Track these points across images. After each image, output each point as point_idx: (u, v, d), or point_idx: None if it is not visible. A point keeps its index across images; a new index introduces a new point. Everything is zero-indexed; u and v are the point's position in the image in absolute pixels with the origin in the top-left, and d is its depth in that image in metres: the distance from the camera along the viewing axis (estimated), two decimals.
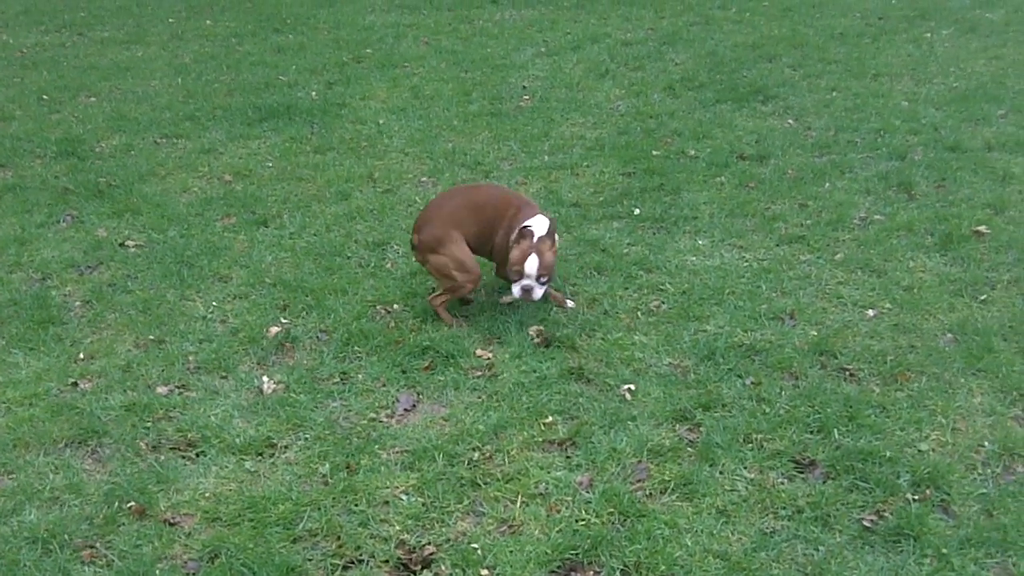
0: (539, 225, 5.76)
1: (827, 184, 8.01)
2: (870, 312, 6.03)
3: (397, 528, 4.38)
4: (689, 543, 4.22)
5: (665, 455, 4.79)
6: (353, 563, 4.20)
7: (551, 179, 8.37)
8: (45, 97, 11.25)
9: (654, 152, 8.88)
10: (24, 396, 5.41)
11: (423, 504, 4.53)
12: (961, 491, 4.51)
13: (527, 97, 10.74)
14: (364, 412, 5.23)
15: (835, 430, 4.91)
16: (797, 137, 9.13)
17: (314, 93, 11.03)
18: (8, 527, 4.42)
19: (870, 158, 8.54)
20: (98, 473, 4.82)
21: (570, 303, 6.19)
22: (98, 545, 4.32)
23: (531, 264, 5.65)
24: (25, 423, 5.17)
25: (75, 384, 5.53)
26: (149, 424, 5.13)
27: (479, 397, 5.33)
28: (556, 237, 5.81)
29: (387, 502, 4.55)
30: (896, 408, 5.09)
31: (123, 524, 4.44)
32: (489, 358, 5.66)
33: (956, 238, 6.90)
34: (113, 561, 4.22)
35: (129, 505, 4.54)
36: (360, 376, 5.54)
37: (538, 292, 5.74)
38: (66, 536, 4.35)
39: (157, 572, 4.13)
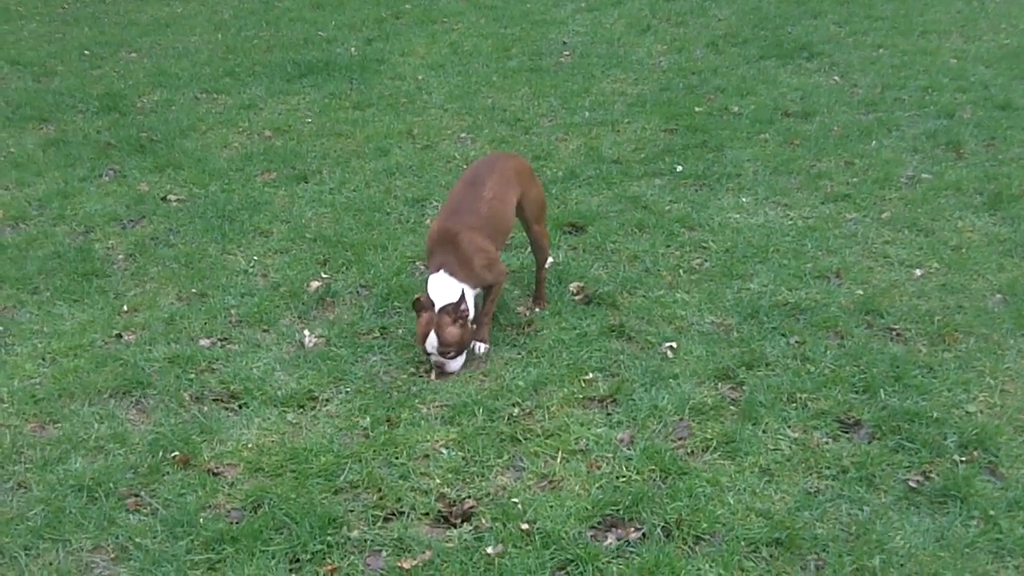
0: (440, 290, 5.11)
1: (873, 142, 7.91)
2: (917, 272, 5.96)
3: (437, 481, 4.39)
4: (731, 501, 4.20)
5: (707, 413, 4.76)
6: (394, 515, 4.21)
7: (591, 135, 8.31)
8: (87, 53, 11.27)
9: (697, 109, 8.79)
10: (69, 347, 5.44)
11: (463, 458, 4.53)
12: (1009, 453, 4.45)
13: (567, 53, 10.65)
14: (404, 367, 5.23)
15: (881, 390, 4.86)
16: (843, 94, 9.01)
17: (353, 49, 10.99)
18: (54, 475, 4.46)
19: (917, 116, 8.42)
20: (142, 423, 4.85)
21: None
22: (143, 494, 4.36)
23: (430, 342, 5.06)
24: (70, 374, 5.20)
25: (119, 336, 5.56)
26: (192, 376, 5.15)
27: (519, 353, 5.32)
28: (466, 303, 5.11)
29: (427, 456, 4.55)
30: (943, 369, 5.03)
31: (167, 473, 4.47)
32: (528, 315, 5.64)
33: (1006, 198, 6.79)
34: (158, 509, 4.26)
35: (173, 455, 4.57)
36: (400, 331, 5.53)
37: (452, 365, 5.17)
38: (111, 484, 4.38)
39: (201, 520, 4.15)
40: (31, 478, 4.47)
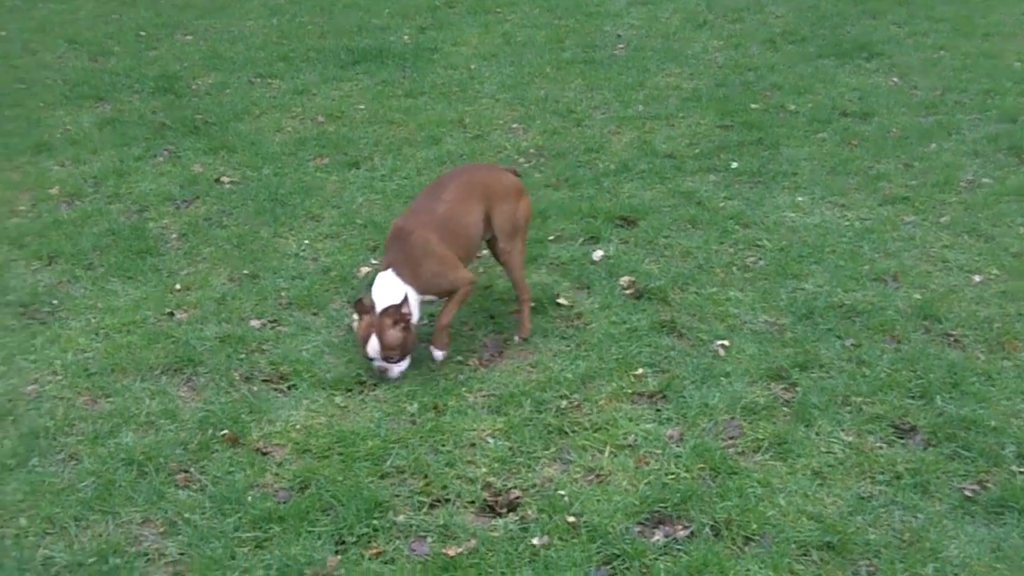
0: (384, 290, 4.95)
1: (933, 145, 7.80)
2: (976, 277, 5.87)
3: (483, 470, 4.37)
4: (782, 503, 4.15)
5: (759, 413, 4.71)
6: (439, 502, 4.20)
7: (645, 129, 8.26)
8: (143, 34, 11.34)
9: (753, 105, 8.72)
10: (122, 323, 5.48)
11: (510, 448, 4.51)
12: None
13: (621, 46, 10.58)
14: (451, 355, 5.21)
15: (938, 396, 4.78)
16: (902, 96, 8.89)
17: (406, 37, 10.99)
18: (105, 448, 4.49)
19: (979, 119, 8.29)
20: (193, 400, 4.88)
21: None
22: (192, 470, 4.38)
23: (372, 346, 4.87)
24: (123, 349, 5.24)
25: (171, 314, 5.59)
26: (243, 356, 5.17)
27: (567, 346, 5.29)
28: (410, 306, 4.92)
29: (474, 444, 4.54)
30: (1002, 377, 4.94)
31: (216, 451, 4.49)
32: (578, 307, 5.61)
33: None
34: (206, 486, 4.27)
35: (223, 433, 4.58)
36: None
37: (395, 370, 4.97)
38: (161, 459, 4.41)
39: (249, 499, 4.16)
40: (82, 450, 4.50)
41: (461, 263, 5.13)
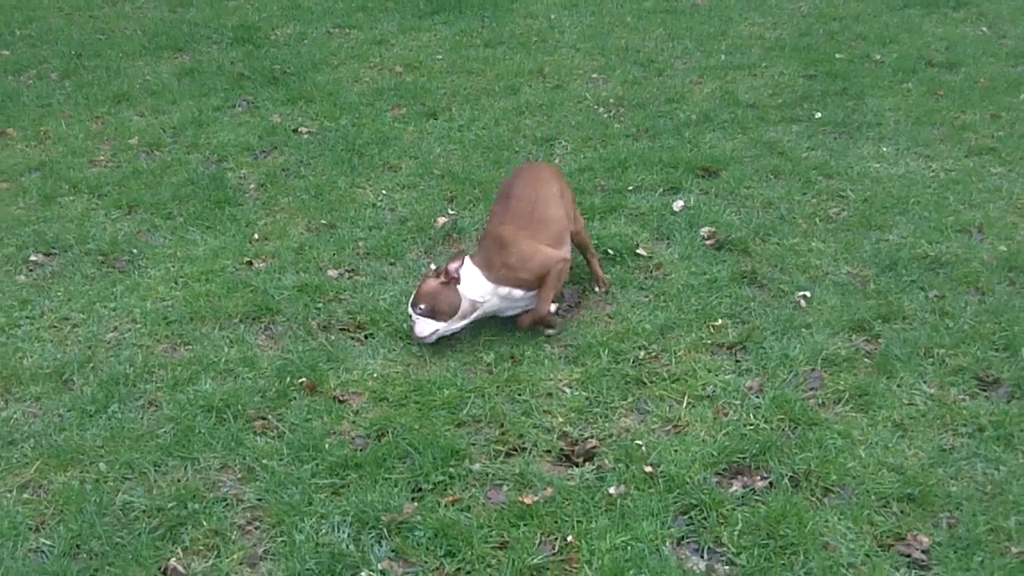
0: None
1: (1022, 95, 7.56)
2: None
3: (560, 420, 4.35)
4: (863, 454, 4.07)
5: (840, 365, 4.62)
6: (516, 451, 4.18)
7: (727, 79, 8.12)
8: None
9: (837, 55, 8.54)
10: (201, 272, 5.52)
11: (587, 398, 4.48)
12: None
13: None
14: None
15: (1023, 349, 4.65)
16: (991, 45, 8.64)
17: None
18: (184, 395, 4.53)
19: None
20: (271, 349, 4.90)
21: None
22: (270, 417, 4.40)
23: (412, 297, 4.85)
24: (202, 298, 5.28)
25: (250, 263, 5.63)
26: (320, 305, 5.18)
27: (646, 296, 5.23)
28: (461, 270, 4.81)
29: (551, 394, 4.51)
30: None
31: (294, 399, 4.51)
32: (658, 258, 5.54)
33: None
34: (284, 433, 4.30)
35: (300, 381, 4.60)
36: None
37: (420, 326, 4.78)
38: (239, 407, 4.44)
39: (326, 446, 4.18)
40: (161, 397, 4.55)
41: (547, 246, 4.96)
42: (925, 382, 4.50)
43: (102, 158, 7.08)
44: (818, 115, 7.34)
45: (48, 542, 3.78)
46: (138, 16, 10.41)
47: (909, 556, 3.62)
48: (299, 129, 7.42)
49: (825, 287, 5.22)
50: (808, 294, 5.14)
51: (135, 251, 5.79)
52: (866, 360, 4.66)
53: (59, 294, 5.38)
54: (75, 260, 5.72)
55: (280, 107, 7.87)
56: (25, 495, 4.02)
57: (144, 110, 7.89)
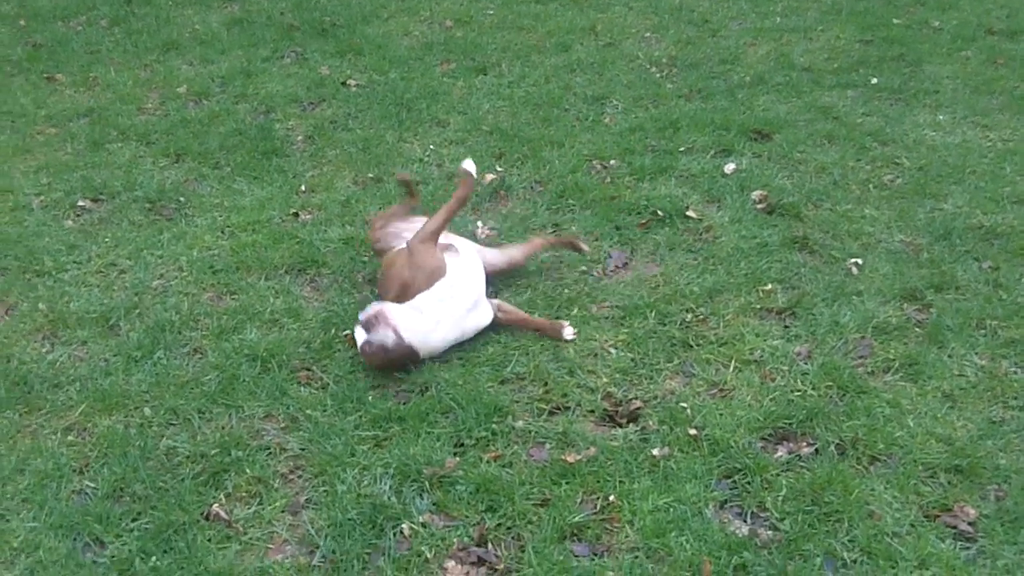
0: None
1: None
2: None
3: (604, 380, 4.31)
4: (911, 424, 4.01)
5: (891, 333, 4.55)
6: (559, 409, 4.15)
7: (782, 41, 8.00)
8: None
9: (895, 20, 8.38)
10: (247, 222, 5.52)
11: (632, 360, 4.43)
12: None
13: None
14: (575, 265, 5.14)
15: None
16: None
17: None
18: (230, 343, 4.53)
19: None
20: (316, 300, 4.89)
21: None
22: (314, 368, 4.40)
23: None
24: (248, 248, 5.28)
25: (296, 215, 5.61)
26: (366, 259, 5.16)
27: (695, 259, 5.17)
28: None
29: (595, 354, 4.47)
30: None
31: (338, 351, 4.50)
32: (707, 220, 5.47)
33: None
34: (328, 384, 4.29)
35: (345, 333, 4.59)
36: (573, 229, 5.44)
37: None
38: (284, 357, 4.44)
39: (369, 398, 4.17)
40: (207, 345, 4.56)
41: None
42: (976, 353, 4.42)
43: (150, 106, 7.09)
44: (874, 81, 7.22)
45: (92, 484, 3.81)
46: None
47: (955, 527, 3.56)
48: (347, 82, 7.39)
49: (877, 255, 5.14)
50: (860, 261, 5.06)
51: (182, 199, 5.79)
52: (917, 329, 4.59)
53: (106, 240, 5.40)
54: (122, 207, 5.73)
55: (329, 59, 7.83)
56: (70, 437, 4.04)
57: (193, 59, 7.88)
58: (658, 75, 7.44)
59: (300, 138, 6.56)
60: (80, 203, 5.76)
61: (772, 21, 8.46)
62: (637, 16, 8.65)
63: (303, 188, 5.90)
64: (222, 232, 5.47)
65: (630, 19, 8.59)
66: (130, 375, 4.37)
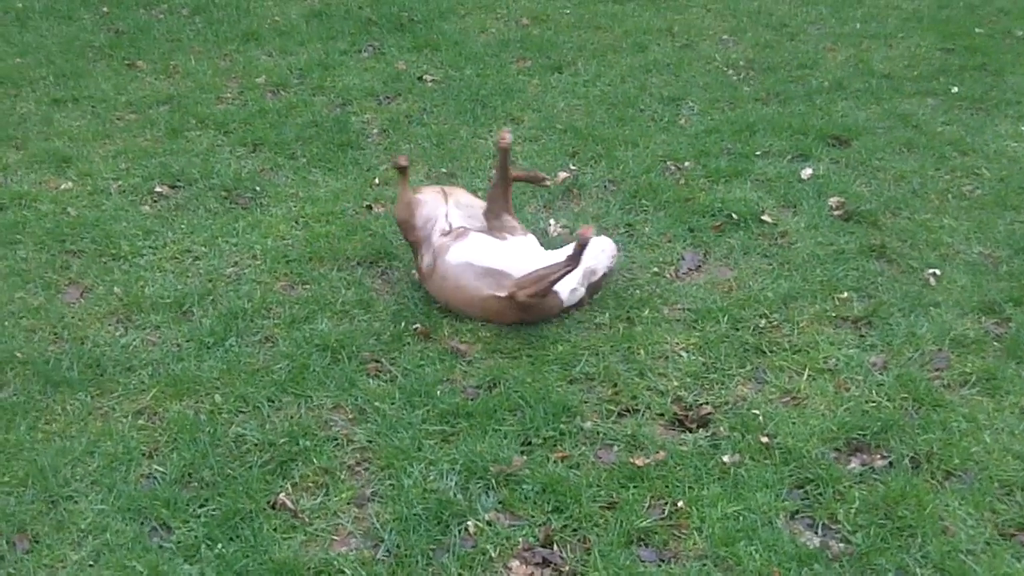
0: None
1: None
2: None
3: (675, 384, 4.27)
4: (988, 439, 3.93)
5: (968, 347, 4.46)
6: (628, 411, 4.12)
7: (862, 48, 7.89)
8: None
9: (977, 29, 8.23)
10: (321, 213, 5.55)
11: (703, 364, 4.39)
12: None
13: None
14: (648, 266, 5.10)
15: None
16: None
17: None
18: (301, 333, 4.55)
19: None
20: (387, 293, 4.90)
21: None
22: (383, 360, 4.40)
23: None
24: (321, 239, 5.30)
25: (369, 207, 5.63)
26: None
27: (769, 264, 5.11)
28: None
29: (666, 357, 4.43)
30: None
31: (408, 344, 4.50)
32: (783, 226, 5.40)
33: None
34: (396, 377, 4.30)
35: (415, 327, 4.59)
36: (646, 229, 5.40)
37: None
38: (354, 348, 4.45)
39: (438, 393, 4.17)
40: (278, 334, 4.58)
41: None
42: None
43: (229, 95, 7.15)
44: (955, 90, 7.09)
45: (161, 469, 3.84)
46: None
47: None
48: (423, 77, 7.40)
49: (956, 266, 5.04)
50: (938, 272, 4.97)
51: (258, 188, 5.83)
52: (995, 343, 4.49)
53: (182, 226, 5.45)
54: (199, 194, 5.79)
55: (406, 54, 7.85)
56: (140, 421, 4.08)
57: (272, 50, 7.94)
58: (735, 78, 7.37)
59: (375, 131, 6.58)
60: (157, 189, 5.82)
61: (852, 27, 8.34)
62: (715, 18, 8.58)
63: (377, 181, 5.92)
64: (296, 222, 5.50)
65: (707, 21, 8.51)
66: (202, 361, 4.40)
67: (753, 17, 8.55)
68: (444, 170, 6.02)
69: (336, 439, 3.97)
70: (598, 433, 4.00)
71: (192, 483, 3.78)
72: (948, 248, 5.19)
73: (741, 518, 3.58)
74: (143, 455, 3.91)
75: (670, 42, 8.06)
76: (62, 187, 5.84)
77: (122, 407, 4.16)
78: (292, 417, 4.08)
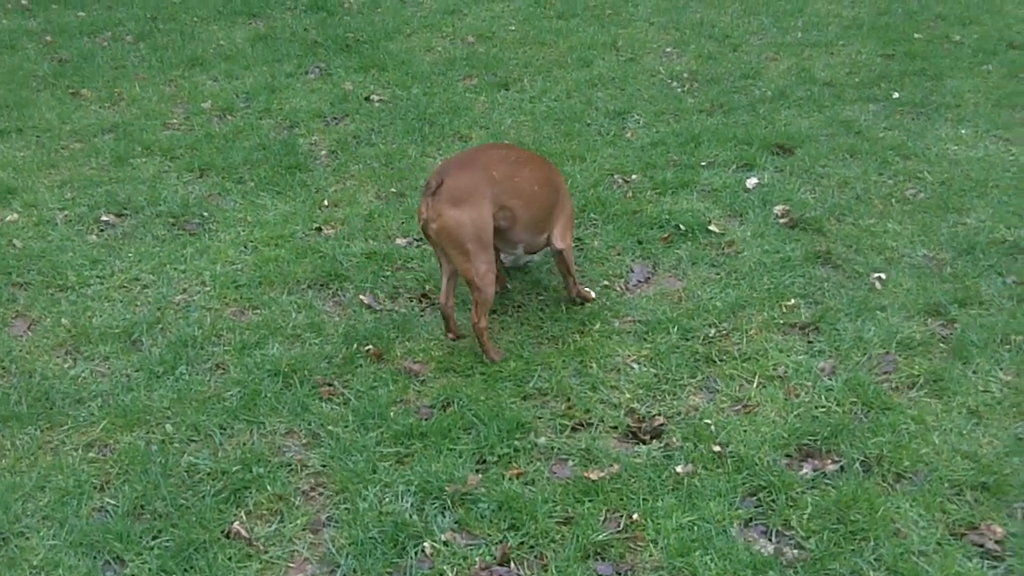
0: None
1: None
2: None
3: (627, 396, 4.29)
4: (936, 441, 3.98)
5: (915, 349, 4.52)
6: (582, 425, 4.14)
7: (803, 56, 7.99)
8: None
9: (916, 35, 8.37)
10: (271, 237, 5.53)
11: (655, 375, 4.42)
12: None
13: None
14: (597, 279, 5.13)
15: None
16: None
17: None
18: (252, 359, 4.54)
19: None
20: (338, 316, 4.90)
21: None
22: (336, 383, 4.40)
23: None
24: (271, 262, 5.28)
25: (319, 229, 5.62)
26: (388, 273, 5.16)
27: (717, 274, 5.15)
28: None
29: (618, 369, 4.46)
30: None
31: (360, 366, 4.50)
32: (730, 235, 5.45)
33: None
34: (349, 400, 4.29)
35: (367, 348, 4.59)
36: (595, 243, 5.43)
37: None
38: (306, 372, 4.44)
39: (391, 414, 4.17)
40: (229, 360, 4.56)
41: None
42: (1001, 369, 4.39)
43: (175, 121, 7.12)
44: (896, 95, 7.19)
45: (112, 501, 3.81)
46: None
47: (982, 546, 3.53)
48: (371, 97, 7.41)
49: (901, 269, 5.11)
50: (883, 276, 5.04)
51: (206, 214, 5.81)
52: (941, 345, 4.56)
53: (130, 255, 5.41)
54: (146, 221, 5.75)
55: (352, 75, 7.86)
56: (91, 454, 4.05)
57: (217, 74, 7.91)
58: (679, 90, 7.44)
59: (323, 153, 6.58)
60: (104, 218, 5.79)
61: (793, 36, 8.45)
62: (658, 31, 8.65)
63: (326, 203, 5.91)
64: (245, 247, 5.48)
65: (651, 34, 8.59)
66: (152, 391, 4.37)
67: (696, 29, 8.63)
68: (393, 190, 6.02)
69: (290, 465, 3.96)
70: (552, 448, 4.01)
71: (145, 515, 3.75)
72: (893, 252, 5.26)
73: (696, 528, 3.60)
74: (94, 488, 3.87)
75: (614, 56, 8.12)
76: (7, 219, 5.79)
77: (72, 440, 4.12)
78: (245, 444, 4.06)
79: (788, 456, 3.95)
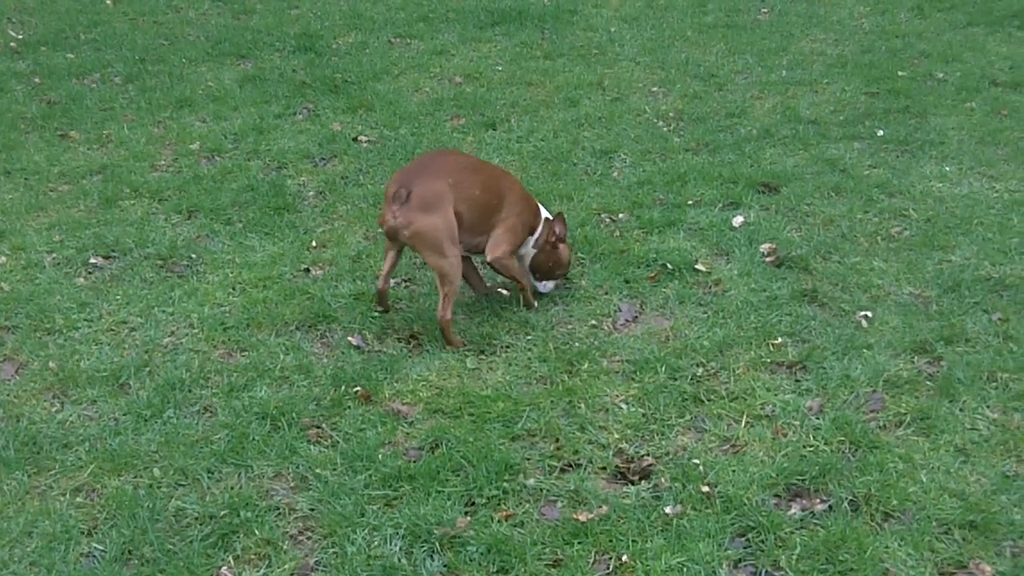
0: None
1: None
2: None
3: (616, 436, 4.30)
4: (924, 479, 3.99)
5: (902, 387, 4.54)
6: (571, 466, 4.14)
7: (788, 95, 8.06)
8: None
9: (900, 73, 8.44)
10: (259, 278, 5.54)
11: (643, 415, 4.42)
12: None
13: (765, 11, 10.34)
14: (585, 319, 5.15)
15: None
16: None
17: None
18: (240, 401, 4.53)
19: None
20: (326, 357, 4.90)
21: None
22: (324, 426, 4.39)
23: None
24: (259, 304, 5.29)
25: (307, 270, 5.64)
26: (376, 314, 5.17)
27: (704, 312, 5.17)
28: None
29: (607, 409, 4.46)
30: None
31: (348, 407, 4.50)
32: (716, 274, 5.48)
33: None
34: (338, 442, 4.28)
35: (355, 389, 4.59)
36: (583, 282, 5.45)
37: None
38: (294, 414, 4.43)
39: (380, 456, 4.16)
40: (217, 403, 4.56)
41: None
42: (988, 406, 4.41)
43: (163, 163, 7.14)
44: (880, 133, 7.25)
45: (100, 547, 3.79)
46: (202, 22, 10.51)
47: None
48: (359, 138, 7.44)
49: (887, 307, 5.13)
50: (870, 314, 5.06)
51: (194, 256, 5.81)
52: (928, 383, 4.58)
53: (117, 297, 5.41)
54: (134, 264, 5.76)
55: (340, 115, 7.90)
56: (78, 499, 4.03)
57: (206, 116, 7.95)
58: (665, 129, 7.49)
59: (312, 194, 6.60)
60: (92, 260, 5.79)
61: (778, 74, 8.52)
62: (644, 71, 8.71)
63: (314, 244, 5.93)
64: (233, 288, 5.49)
65: (637, 74, 8.65)
66: (140, 434, 4.36)
67: (681, 68, 8.70)
68: (381, 230, 6.03)
69: (278, 508, 3.95)
70: (541, 490, 4.01)
71: (132, 560, 3.73)
72: (879, 290, 5.29)
73: (685, 569, 3.60)
74: (82, 533, 3.85)
75: (601, 96, 8.18)
76: None
77: (60, 485, 4.10)
78: (232, 488, 4.05)
79: (776, 496, 3.95)
